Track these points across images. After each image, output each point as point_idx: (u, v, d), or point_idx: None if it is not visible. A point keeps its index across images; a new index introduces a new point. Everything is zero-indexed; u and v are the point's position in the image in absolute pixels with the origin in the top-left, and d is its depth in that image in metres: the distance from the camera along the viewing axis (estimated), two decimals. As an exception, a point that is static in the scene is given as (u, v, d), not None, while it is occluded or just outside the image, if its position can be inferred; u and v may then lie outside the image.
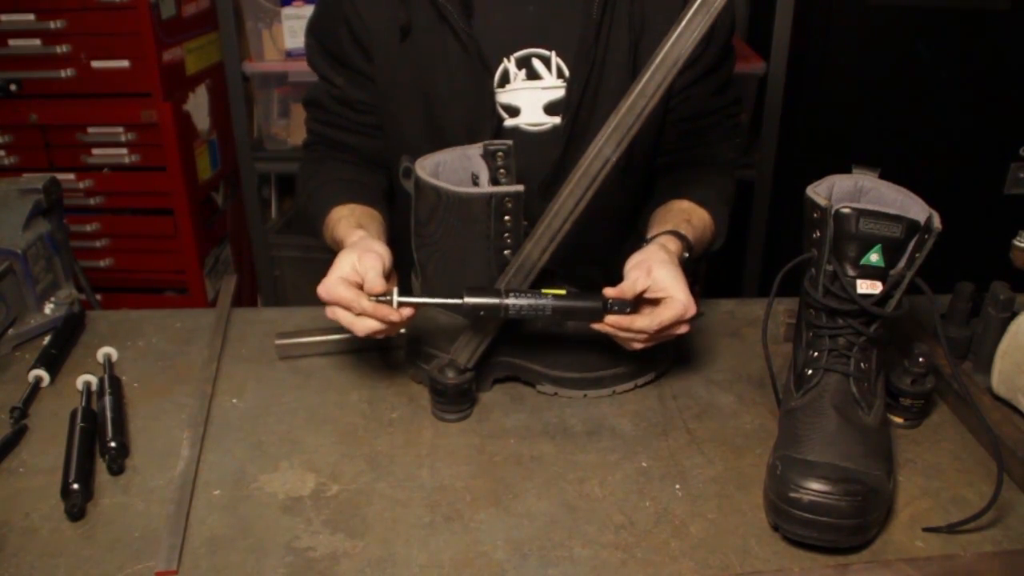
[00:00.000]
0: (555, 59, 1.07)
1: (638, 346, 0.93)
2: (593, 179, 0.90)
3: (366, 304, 0.86)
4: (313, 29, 1.14)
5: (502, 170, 0.92)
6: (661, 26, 1.06)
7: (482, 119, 1.05)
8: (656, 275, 0.91)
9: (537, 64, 1.07)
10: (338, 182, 1.12)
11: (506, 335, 0.97)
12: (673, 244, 0.98)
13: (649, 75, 0.88)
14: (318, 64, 1.14)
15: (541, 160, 1.07)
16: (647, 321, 0.89)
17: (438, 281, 0.94)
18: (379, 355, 1.07)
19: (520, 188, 0.89)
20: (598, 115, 1.08)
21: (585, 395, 0.98)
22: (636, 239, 1.26)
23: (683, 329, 0.92)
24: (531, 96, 1.08)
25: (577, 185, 0.90)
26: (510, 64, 1.07)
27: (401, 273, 1.20)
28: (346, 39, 1.08)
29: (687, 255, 0.99)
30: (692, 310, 0.90)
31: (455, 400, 0.94)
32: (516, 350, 0.98)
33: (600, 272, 1.21)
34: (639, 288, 0.90)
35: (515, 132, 1.08)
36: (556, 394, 0.98)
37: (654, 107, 0.89)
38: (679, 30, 0.86)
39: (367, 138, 1.15)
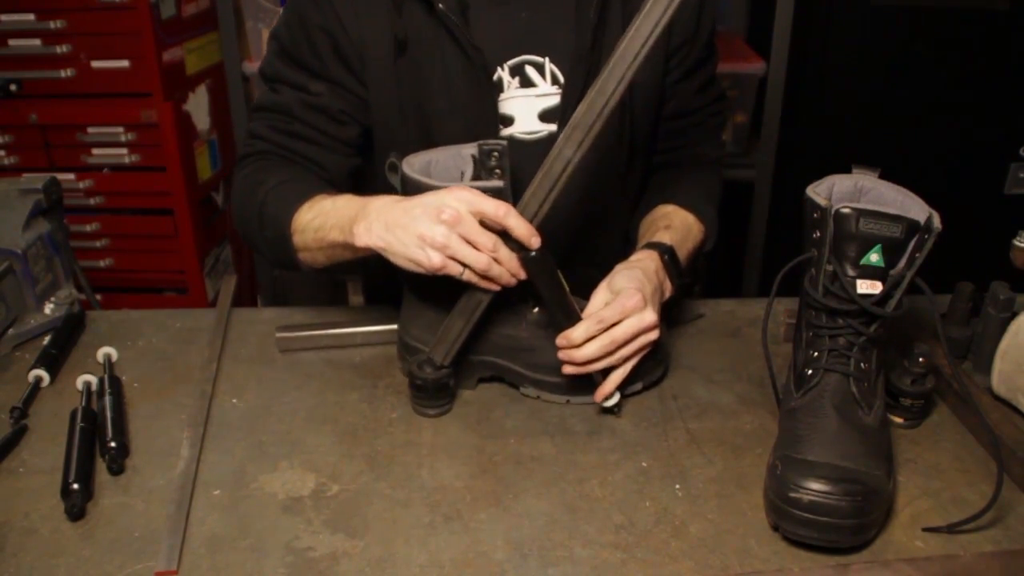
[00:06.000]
0: (549, 65, 1.06)
1: (598, 364, 0.90)
2: (555, 181, 0.88)
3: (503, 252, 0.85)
4: (281, 36, 1.06)
5: (497, 170, 0.91)
6: None
7: (484, 131, 1.04)
8: (614, 283, 0.91)
9: (530, 71, 1.06)
10: (308, 181, 1.03)
11: (487, 335, 0.97)
12: (645, 255, 0.98)
13: (608, 72, 0.86)
14: (285, 72, 1.06)
15: (536, 168, 1.07)
16: (589, 325, 0.88)
17: (428, 277, 0.93)
18: (379, 354, 1.07)
19: (499, 184, 0.88)
20: None
21: (568, 400, 0.97)
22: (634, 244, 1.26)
23: (649, 333, 0.90)
24: (526, 104, 1.07)
25: (539, 188, 0.89)
26: (503, 73, 1.06)
27: (380, 276, 1.18)
28: (325, 50, 1.03)
29: (667, 257, 0.98)
30: (639, 304, 0.88)
31: (434, 395, 0.94)
32: (499, 350, 0.98)
33: (600, 273, 1.21)
34: (599, 302, 0.90)
35: (510, 142, 1.06)
36: (539, 398, 0.98)
37: (615, 105, 0.87)
38: (637, 24, 0.85)
39: (336, 155, 1.08)
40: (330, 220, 0.94)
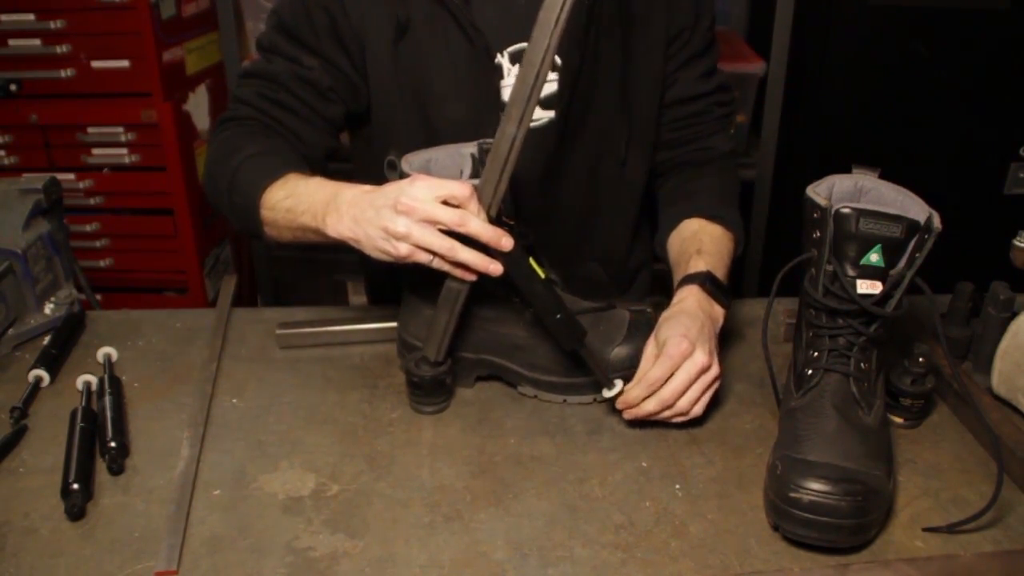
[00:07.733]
0: None
1: (676, 414, 0.90)
2: (504, 162, 0.86)
3: (478, 227, 0.83)
4: (282, 10, 1.06)
5: None
6: (648, 8, 1.06)
7: (487, 116, 1.03)
8: (660, 334, 0.90)
9: None
10: (284, 155, 1.01)
11: (485, 333, 0.97)
12: (684, 293, 0.97)
13: (532, 43, 0.84)
14: (280, 44, 1.06)
15: (537, 156, 1.06)
16: (641, 388, 0.88)
17: (425, 274, 0.93)
18: (379, 354, 1.07)
19: None
20: (595, 104, 1.07)
21: (564, 400, 0.97)
22: (641, 239, 1.25)
23: (706, 374, 0.89)
24: None
25: (491, 171, 0.87)
26: (504, 59, 1.05)
27: (382, 276, 1.17)
28: (323, 29, 1.03)
29: (708, 285, 0.97)
30: (686, 351, 0.87)
31: (431, 393, 0.95)
32: (496, 348, 0.98)
33: (603, 270, 1.21)
34: (649, 357, 0.90)
35: None
36: (536, 397, 0.98)
37: (545, 75, 0.85)
38: None
39: (317, 131, 1.07)
40: (302, 203, 0.94)
